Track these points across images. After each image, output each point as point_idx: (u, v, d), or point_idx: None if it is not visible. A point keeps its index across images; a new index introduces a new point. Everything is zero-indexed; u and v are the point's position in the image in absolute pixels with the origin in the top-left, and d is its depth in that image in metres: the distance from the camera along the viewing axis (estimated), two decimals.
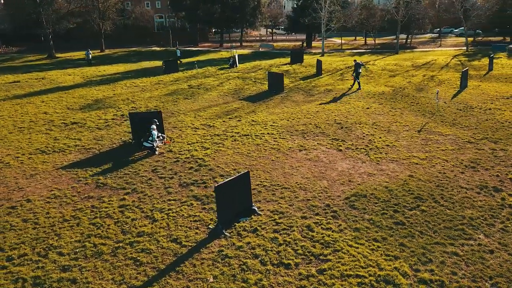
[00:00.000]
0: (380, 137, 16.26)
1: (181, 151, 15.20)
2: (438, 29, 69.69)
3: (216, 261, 8.64)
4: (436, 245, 8.99)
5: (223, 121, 19.18)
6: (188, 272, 8.31)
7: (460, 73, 30.26)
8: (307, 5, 51.16)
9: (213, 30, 77.00)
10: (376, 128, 17.49)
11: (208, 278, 8.11)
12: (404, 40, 60.30)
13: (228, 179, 9.86)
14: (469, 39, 49.15)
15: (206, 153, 14.95)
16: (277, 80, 25.72)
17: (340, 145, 15.47)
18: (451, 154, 14.33)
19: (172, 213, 10.66)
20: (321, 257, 8.69)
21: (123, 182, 12.61)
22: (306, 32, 59.98)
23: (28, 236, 9.69)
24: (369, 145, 15.46)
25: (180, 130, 17.96)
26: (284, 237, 9.45)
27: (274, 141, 16.19)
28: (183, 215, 10.56)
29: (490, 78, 28.21)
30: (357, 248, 8.95)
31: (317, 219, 10.20)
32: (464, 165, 13.37)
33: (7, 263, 8.71)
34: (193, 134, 17.25)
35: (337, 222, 10.04)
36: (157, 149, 15.15)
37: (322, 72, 32.38)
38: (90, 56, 41.67)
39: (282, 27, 78.70)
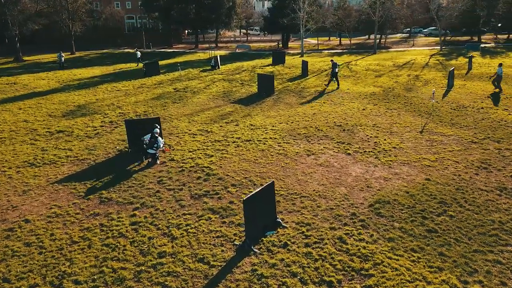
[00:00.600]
0: (384, 139, 16.05)
1: (184, 160, 14.37)
2: (408, 29, 71.26)
3: (252, 281, 8.00)
4: (476, 253, 8.72)
5: (220, 126, 18.43)
6: None
7: (443, 72, 30.97)
8: (285, 6, 50.79)
9: (187, 31, 75.51)
10: (378, 130, 17.29)
11: None
12: (378, 40, 61.15)
13: (255, 191, 9.22)
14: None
15: (211, 160, 14.21)
16: (267, 82, 25.16)
17: (348, 149, 15.12)
18: (459, 155, 14.27)
19: (191, 228, 9.91)
20: (362, 271, 8.22)
21: (130, 196, 11.69)
22: (282, 32, 59.64)
23: (35, 263, 8.68)
24: (376, 147, 15.19)
25: (177, 136, 17.08)
26: (318, 251, 8.92)
27: (279, 146, 15.64)
28: (203, 230, 9.82)
29: (472, 77, 28.81)
30: (397, 260, 8.54)
31: (347, 229, 9.74)
32: (475, 166, 13.31)
33: None
34: (192, 141, 16.42)
35: (368, 232, 9.61)
36: (159, 157, 14.26)
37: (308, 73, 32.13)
38: (63, 59, 39.57)
39: (257, 27, 78.12)
